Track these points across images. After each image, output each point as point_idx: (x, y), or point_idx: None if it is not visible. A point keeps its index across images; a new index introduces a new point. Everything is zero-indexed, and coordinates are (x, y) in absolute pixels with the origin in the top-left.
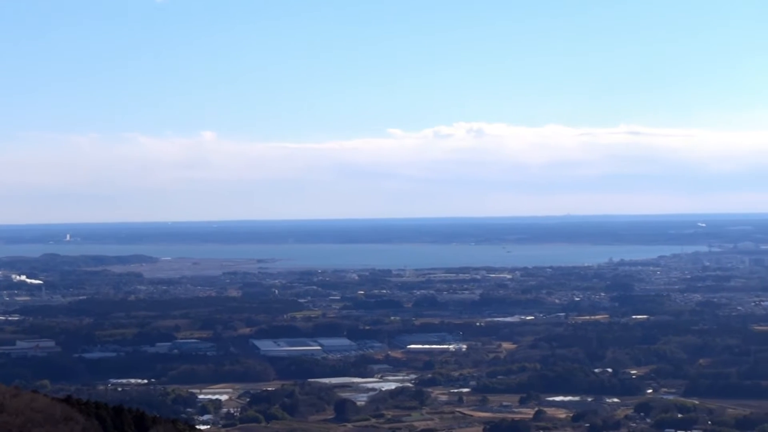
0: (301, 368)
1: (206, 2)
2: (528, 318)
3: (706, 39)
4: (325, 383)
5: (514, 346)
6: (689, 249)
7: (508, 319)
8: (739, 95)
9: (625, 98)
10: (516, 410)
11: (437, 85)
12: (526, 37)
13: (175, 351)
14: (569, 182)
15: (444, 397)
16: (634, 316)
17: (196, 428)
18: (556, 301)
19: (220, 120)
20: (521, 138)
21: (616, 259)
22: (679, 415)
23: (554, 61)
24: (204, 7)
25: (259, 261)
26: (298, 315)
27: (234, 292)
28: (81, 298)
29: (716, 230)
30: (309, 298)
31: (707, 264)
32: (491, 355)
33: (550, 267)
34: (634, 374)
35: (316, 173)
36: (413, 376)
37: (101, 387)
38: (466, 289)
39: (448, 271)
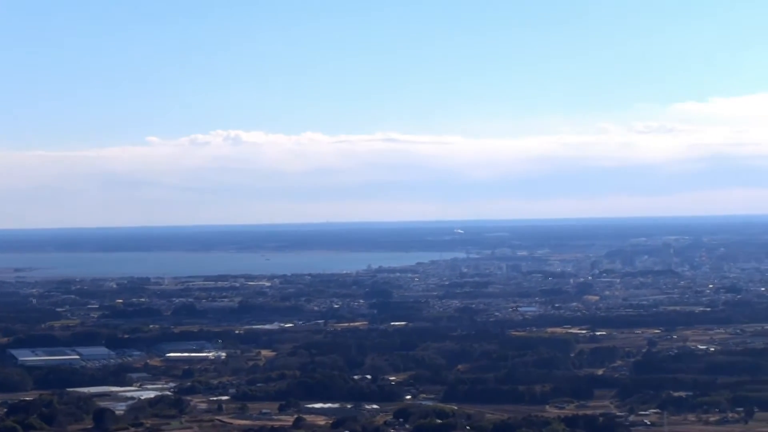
0: (59, 378)
1: None
2: (287, 325)
3: (459, 46)
4: (84, 392)
5: (274, 353)
6: (447, 255)
7: (267, 326)
8: (495, 103)
9: (380, 105)
10: (276, 417)
11: (194, 92)
12: (280, 44)
13: None
14: (328, 190)
15: (203, 405)
16: (392, 323)
17: None
18: (315, 308)
19: None
20: (279, 145)
21: (374, 266)
22: (438, 421)
23: (309, 67)
24: None
25: (16, 270)
26: (56, 324)
27: None
28: None
29: (474, 237)
30: (67, 307)
31: (465, 270)
32: (250, 363)
33: (309, 274)
34: (393, 380)
35: (74, 181)
36: (172, 385)
37: None
38: (225, 297)
39: (207, 278)
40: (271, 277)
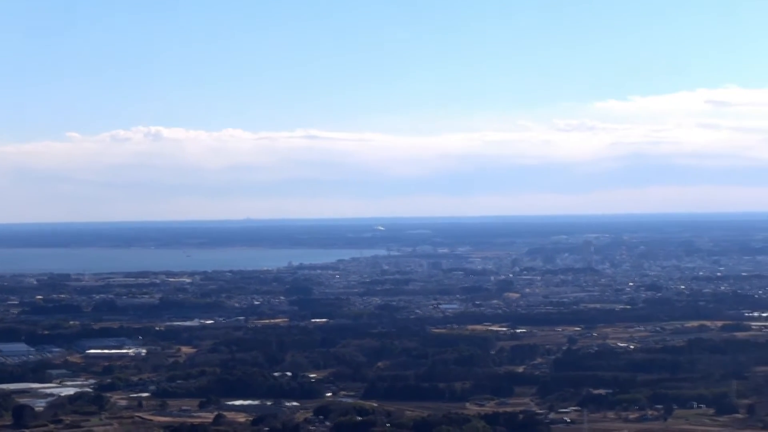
0: None
1: None
2: (208, 322)
3: (379, 43)
4: (3, 389)
5: (194, 350)
6: (368, 253)
7: (188, 323)
8: (417, 100)
9: (301, 102)
10: (196, 414)
11: (115, 88)
12: (201, 41)
13: None
14: (248, 186)
15: (123, 402)
16: (313, 320)
17: None
18: (236, 305)
19: None
20: (199, 142)
21: (295, 263)
22: (358, 418)
23: (230, 64)
24: None
25: None
26: None
27: None
28: None
29: (395, 234)
30: None
31: (386, 267)
32: (171, 360)
33: (230, 271)
34: (313, 378)
35: None
36: (92, 381)
37: None
38: (146, 294)
39: (128, 275)
40: (191, 274)
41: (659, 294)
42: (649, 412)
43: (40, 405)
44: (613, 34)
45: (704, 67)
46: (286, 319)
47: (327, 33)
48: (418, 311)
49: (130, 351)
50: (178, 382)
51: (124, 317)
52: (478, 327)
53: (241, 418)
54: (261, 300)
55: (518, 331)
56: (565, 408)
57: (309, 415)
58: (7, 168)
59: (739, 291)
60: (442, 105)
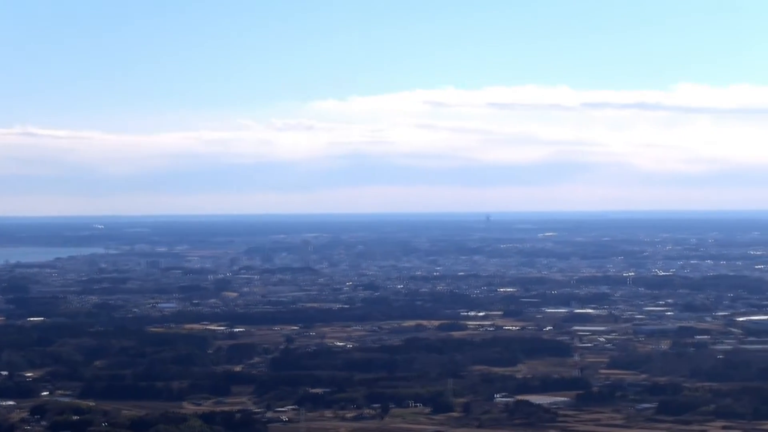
0: None
1: None
2: None
3: (98, 40)
4: None
5: None
6: (86, 251)
7: None
8: (135, 98)
9: (19, 98)
10: None
11: None
12: None
13: None
14: None
15: None
16: (30, 319)
17: None
18: None
19: None
20: None
21: (12, 262)
22: (75, 417)
23: None
24: None
25: None
26: None
27: None
28: None
29: (113, 232)
30: None
31: (104, 266)
32: None
33: None
34: (29, 377)
35: None
36: None
37: None
38: None
39: None
40: None
41: (377, 293)
42: (366, 411)
43: None
44: (330, 34)
45: (422, 68)
46: (2, 318)
47: (42, 28)
48: (135, 310)
49: None
50: None
51: None
52: (196, 326)
53: None
54: None
55: (236, 330)
56: (283, 407)
57: (25, 414)
58: None
59: (455, 290)
60: (160, 103)
